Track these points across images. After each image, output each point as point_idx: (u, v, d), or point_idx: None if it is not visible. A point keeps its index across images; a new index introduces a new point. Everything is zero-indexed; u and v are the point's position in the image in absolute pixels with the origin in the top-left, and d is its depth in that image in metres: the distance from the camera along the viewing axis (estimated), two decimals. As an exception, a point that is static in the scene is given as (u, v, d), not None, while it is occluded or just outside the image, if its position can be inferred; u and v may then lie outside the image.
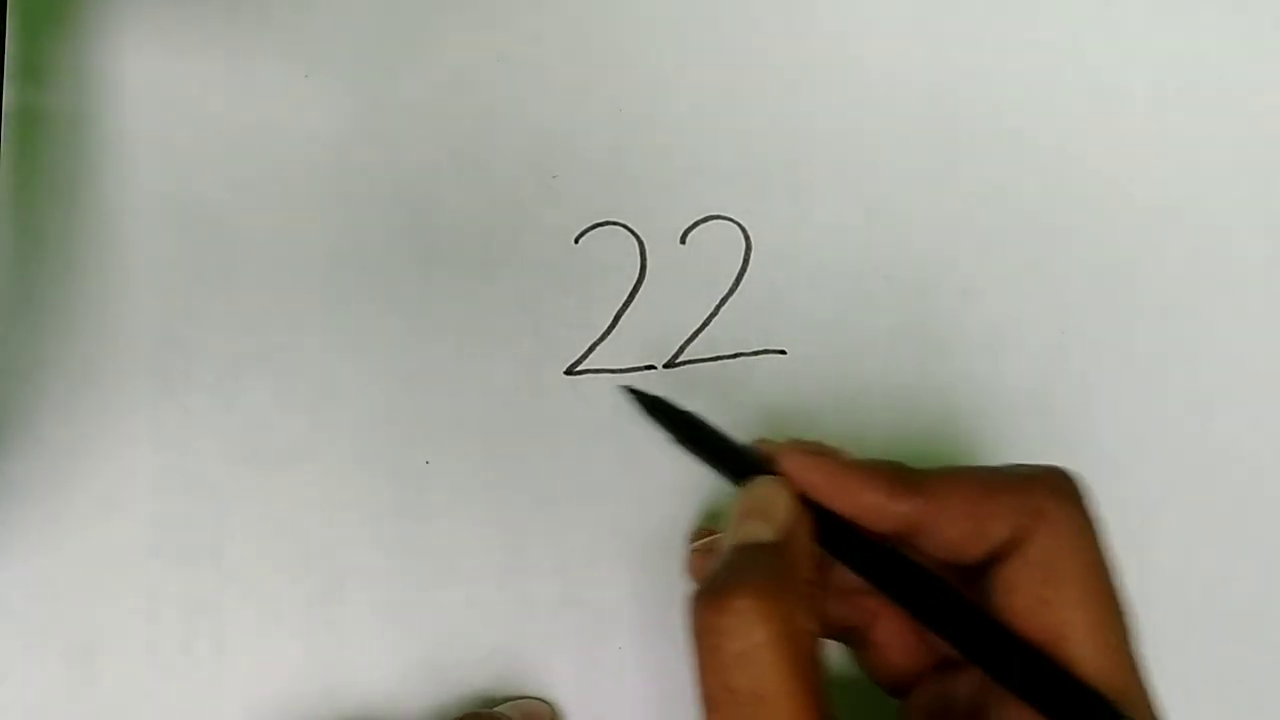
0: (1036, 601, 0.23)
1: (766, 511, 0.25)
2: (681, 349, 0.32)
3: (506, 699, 0.30)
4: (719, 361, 0.32)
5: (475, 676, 0.31)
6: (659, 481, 0.32)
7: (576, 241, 0.33)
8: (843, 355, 0.32)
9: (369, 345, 0.32)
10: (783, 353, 0.32)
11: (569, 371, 0.32)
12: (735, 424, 0.32)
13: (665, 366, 0.32)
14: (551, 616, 0.31)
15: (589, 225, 0.33)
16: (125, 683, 0.30)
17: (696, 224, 0.33)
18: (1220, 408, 0.33)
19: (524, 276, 0.32)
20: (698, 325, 0.32)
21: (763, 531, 0.25)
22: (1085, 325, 0.33)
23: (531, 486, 0.31)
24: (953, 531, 0.24)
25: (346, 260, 0.32)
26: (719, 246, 0.33)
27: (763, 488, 0.26)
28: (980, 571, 0.25)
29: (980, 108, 0.34)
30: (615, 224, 0.33)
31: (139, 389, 0.32)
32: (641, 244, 0.33)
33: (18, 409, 0.31)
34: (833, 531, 0.25)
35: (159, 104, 0.33)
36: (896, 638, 0.27)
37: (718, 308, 0.33)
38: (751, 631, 0.22)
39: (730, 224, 0.33)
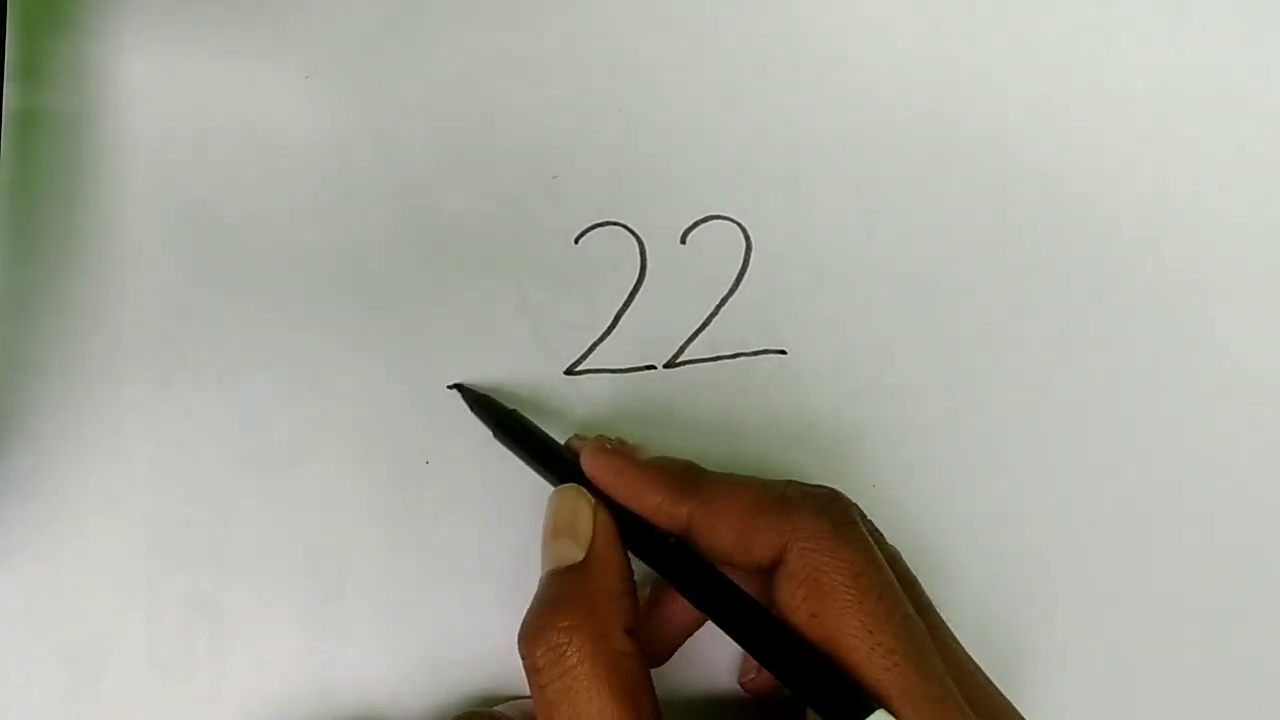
0: (809, 615, 0.24)
1: (572, 526, 0.26)
2: (681, 349, 0.32)
3: (506, 699, 0.30)
4: (719, 361, 0.32)
5: (475, 676, 0.31)
6: (659, 481, 0.32)
7: (576, 241, 0.33)
8: (843, 355, 0.32)
9: (369, 345, 0.32)
10: (783, 353, 0.32)
11: (569, 371, 0.32)
12: (735, 424, 0.32)
13: (665, 366, 0.32)
14: (551, 616, 0.31)
15: (589, 225, 0.33)
16: (125, 683, 0.30)
17: (696, 224, 0.33)
18: (1220, 407, 0.33)
19: (524, 276, 0.32)
20: (698, 325, 0.32)
21: (570, 551, 0.26)
22: (1085, 325, 0.33)
23: (532, 486, 0.31)
24: (724, 540, 0.25)
25: (346, 260, 0.32)
26: (719, 246, 0.33)
27: (566, 499, 0.27)
28: (762, 584, 0.25)
29: (980, 108, 0.34)
30: (615, 224, 0.33)
31: (138, 389, 0.32)
32: (641, 244, 0.33)
33: (18, 409, 0.31)
34: (631, 530, 0.26)
35: (159, 104, 0.33)
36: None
37: (718, 308, 0.33)
38: (566, 666, 0.23)
39: (730, 224, 0.33)
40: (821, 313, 0.33)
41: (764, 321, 0.32)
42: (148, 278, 0.32)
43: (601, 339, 0.32)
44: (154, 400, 0.31)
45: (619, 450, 0.28)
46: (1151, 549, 0.32)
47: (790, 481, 0.26)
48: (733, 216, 0.33)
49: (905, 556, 0.27)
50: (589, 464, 0.27)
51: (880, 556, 0.24)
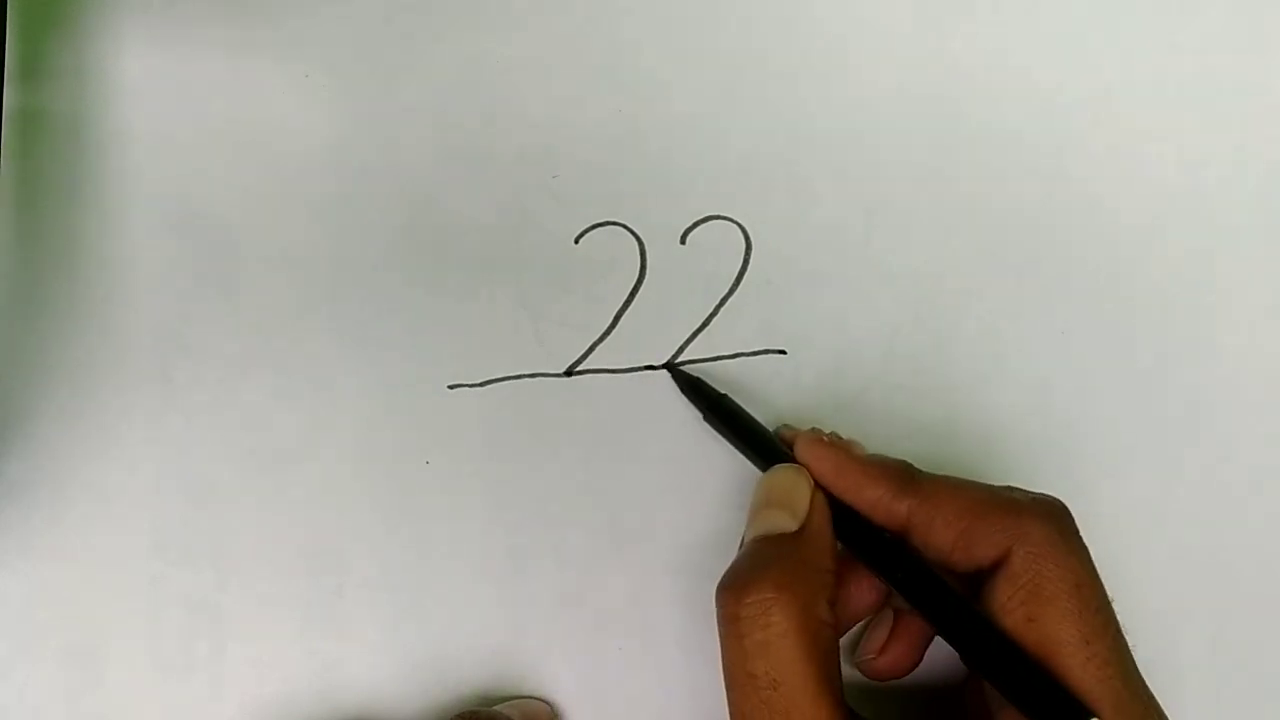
0: (1025, 619, 0.24)
1: (788, 500, 0.27)
2: (681, 349, 0.32)
3: (506, 699, 0.30)
4: (719, 361, 0.32)
5: (475, 676, 0.31)
6: (659, 482, 0.32)
7: (576, 241, 0.33)
8: (843, 355, 0.32)
9: (369, 345, 0.32)
10: (783, 353, 0.32)
11: (569, 372, 0.32)
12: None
13: (665, 366, 0.32)
14: (551, 616, 0.31)
15: (589, 225, 0.33)
16: (125, 683, 0.30)
17: (696, 224, 0.33)
18: (1220, 407, 0.33)
19: (524, 276, 0.32)
20: (698, 325, 0.32)
21: (784, 521, 0.26)
22: (1085, 325, 0.33)
23: (531, 486, 0.31)
24: (944, 539, 0.26)
25: (346, 260, 0.32)
26: (719, 246, 0.33)
27: (784, 476, 0.28)
28: (974, 583, 0.26)
29: (980, 108, 0.34)
30: (615, 224, 0.33)
31: (139, 389, 0.32)
32: (641, 244, 0.33)
33: (18, 409, 0.31)
34: (846, 522, 0.27)
35: (159, 104, 0.33)
36: (916, 636, 0.29)
37: (718, 308, 0.33)
38: (770, 621, 0.24)
39: (730, 224, 0.33)
40: (821, 313, 0.33)
41: (764, 321, 0.32)
42: (148, 278, 0.32)
43: (601, 339, 0.32)
44: (154, 400, 0.31)
45: (837, 443, 0.28)
46: (1152, 549, 0.32)
47: (1011, 486, 0.26)
48: (733, 216, 0.33)
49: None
50: (807, 453, 0.28)
51: (1097, 571, 0.25)
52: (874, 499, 0.27)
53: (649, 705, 0.31)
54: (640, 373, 0.32)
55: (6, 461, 0.31)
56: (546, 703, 0.30)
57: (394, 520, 0.31)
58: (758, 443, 0.30)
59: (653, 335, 0.32)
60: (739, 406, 0.30)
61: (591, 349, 0.32)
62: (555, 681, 0.31)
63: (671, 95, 0.34)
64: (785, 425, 0.30)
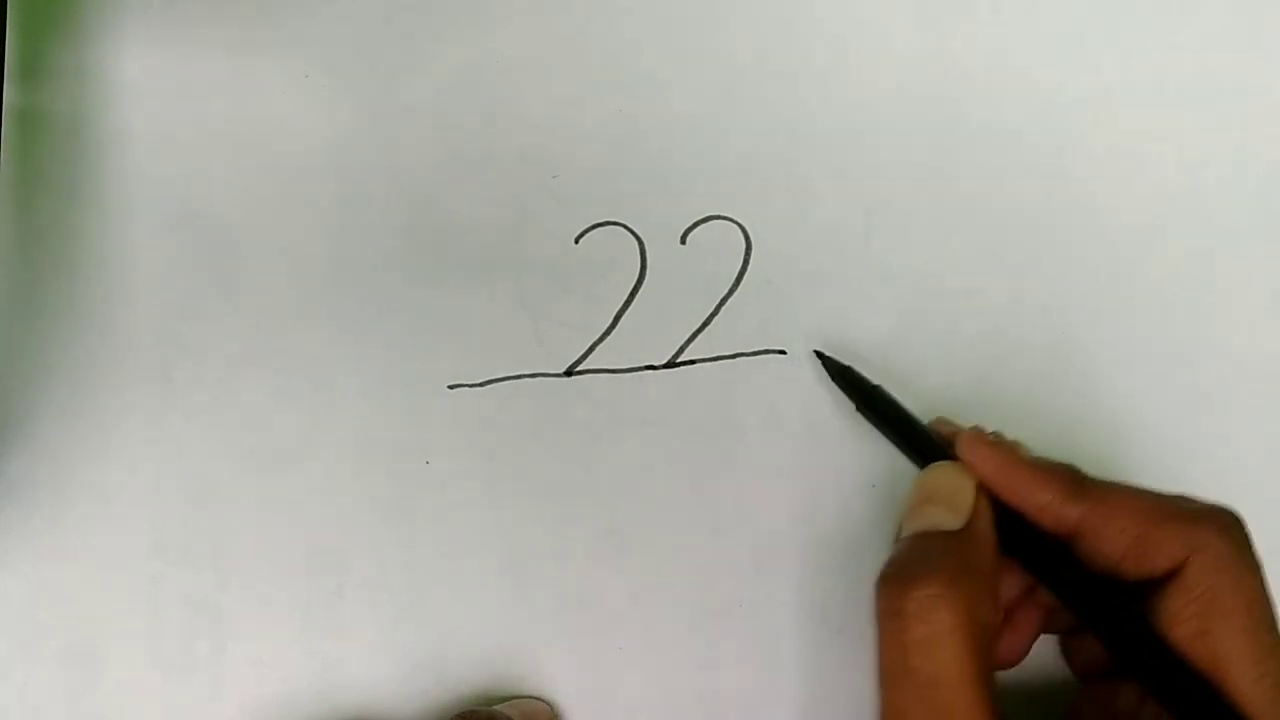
0: (1197, 632, 0.24)
1: (951, 498, 0.26)
2: (681, 349, 0.32)
3: (506, 699, 0.30)
4: (719, 361, 0.32)
5: (475, 676, 0.31)
6: (659, 481, 0.32)
7: (576, 241, 0.33)
8: (842, 355, 0.32)
9: (369, 345, 0.32)
10: (783, 353, 0.32)
11: (569, 372, 0.32)
12: (735, 424, 0.32)
13: (665, 366, 0.32)
14: (551, 616, 0.31)
15: (589, 225, 0.33)
16: (125, 683, 0.30)
17: (696, 224, 0.33)
18: (1220, 407, 0.33)
19: (524, 276, 0.32)
20: (698, 325, 0.32)
21: (947, 519, 0.26)
22: (1085, 325, 0.33)
23: (531, 486, 0.31)
24: (1115, 546, 0.25)
25: (346, 260, 0.32)
26: (719, 246, 0.33)
27: (947, 474, 0.27)
28: (1136, 593, 0.25)
29: (980, 108, 0.34)
30: (615, 224, 0.33)
31: (139, 389, 0.32)
32: (641, 244, 0.33)
33: (18, 409, 0.31)
34: (1008, 524, 0.26)
35: (159, 104, 0.33)
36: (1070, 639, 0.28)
37: (718, 308, 0.33)
38: (935, 618, 0.23)
39: (730, 224, 0.33)
40: (821, 313, 0.33)
41: (764, 321, 0.32)
42: (148, 278, 0.32)
43: (601, 339, 0.32)
44: (154, 400, 0.31)
45: (1002, 443, 0.27)
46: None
47: (1185, 495, 0.26)
48: (733, 216, 0.33)
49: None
50: (972, 452, 0.27)
51: (1269, 589, 0.24)
52: (1043, 503, 0.26)
53: (649, 705, 0.31)
54: (640, 373, 0.32)
55: (6, 461, 0.31)
56: (546, 703, 0.30)
57: (394, 520, 0.31)
58: (914, 437, 0.29)
59: (653, 335, 0.32)
60: (893, 398, 0.30)
61: (591, 349, 0.32)
62: (555, 681, 0.31)
63: (671, 95, 0.34)
64: (941, 419, 0.30)
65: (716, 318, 0.32)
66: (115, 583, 0.31)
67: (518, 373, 0.32)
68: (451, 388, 0.32)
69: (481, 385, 0.32)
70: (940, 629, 0.23)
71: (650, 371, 0.32)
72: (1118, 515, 0.25)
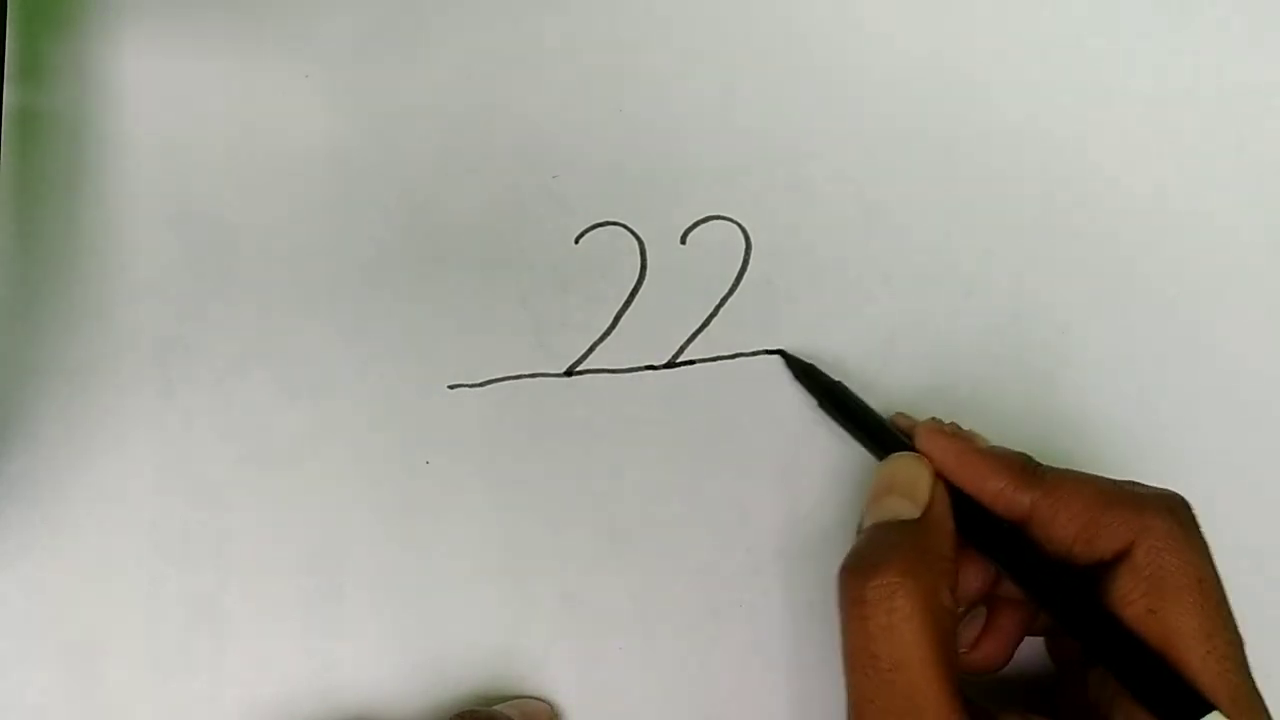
0: (1146, 611, 0.24)
1: (909, 488, 0.27)
2: (681, 349, 0.32)
3: (506, 699, 0.30)
4: (719, 361, 0.32)
5: (475, 676, 0.31)
6: (659, 482, 0.32)
7: (576, 241, 0.33)
8: (842, 355, 0.32)
9: (369, 345, 0.32)
10: (782, 353, 0.32)
11: (569, 372, 0.32)
12: (735, 424, 0.32)
13: (665, 366, 0.32)
14: (551, 616, 0.31)
15: (589, 225, 0.33)
16: (125, 683, 0.30)
17: (696, 224, 0.33)
18: (1220, 407, 0.33)
19: (524, 276, 0.32)
20: (698, 325, 0.32)
21: (905, 508, 0.27)
22: (1085, 325, 0.33)
23: (531, 486, 0.31)
24: (1066, 531, 0.26)
25: (346, 260, 0.32)
26: (719, 246, 0.33)
27: (905, 464, 0.28)
28: (1088, 576, 0.26)
29: (980, 108, 0.34)
30: (615, 224, 0.33)
31: (139, 389, 0.32)
32: (641, 244, 0.33)
33: (18, 409, 0.31)
34: (965, 512, 0.27)
35: (159, 104, 0.33)
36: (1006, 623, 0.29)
37: (718, 308, 0.33)
38: (894, 605, 0.24)
39: (730, 224, 0.33)
40: (821, 313, 0.33)
41: (764, 321, 0.32)
42: (148, 278, 0.32)
43: (601, 339, 0.32)
44: (154, 400, 0.31)
45: (958, 434, 0.29)
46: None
47: (1133, 481, 0.27)
48: (733, 216, 0.33)
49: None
50: (928, 443, 0.28)
51: (1216, 567, 0.25)
52: (996, 490, 0.27)
53: (649, 705, 0.31)
54: (640, 373, 0.32)
55: (6, 461, 0.31)
56: (546, 703, 0.30)
57: (394, 520, 0.31)
58: (873, 431, 0.30)
59: (653, 335, 0.32)
60: (853, 394, 0.31)
61: (591, 349, 0.32)
62: (555, 681, 0.31)
63: (671, 95, 0.34)
64: (900, 413, 0.30)
65: (716, 318, 0.32)
66: (115, 582, 0.31)
67: (518, 373, 0.32)
68: (451, 388, 0.32)
69: (481, 385, 0.32)
70: (899, 616, 0.24)
71: (650, 371, 0.32)
72: (1068, 501, 0.26)
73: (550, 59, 0.34)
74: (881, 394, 0.32)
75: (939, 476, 0.28)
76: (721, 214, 0.33)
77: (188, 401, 0.32)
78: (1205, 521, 0.32)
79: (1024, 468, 0.27)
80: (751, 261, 0.33)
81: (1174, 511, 0.25)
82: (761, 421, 0.32)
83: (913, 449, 0.29)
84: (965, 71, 0.34)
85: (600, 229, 0.33)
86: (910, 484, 0.27)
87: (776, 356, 0.32)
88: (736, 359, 0.32)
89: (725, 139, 0.33)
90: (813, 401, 0.31)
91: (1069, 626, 0.26)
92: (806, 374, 0.31)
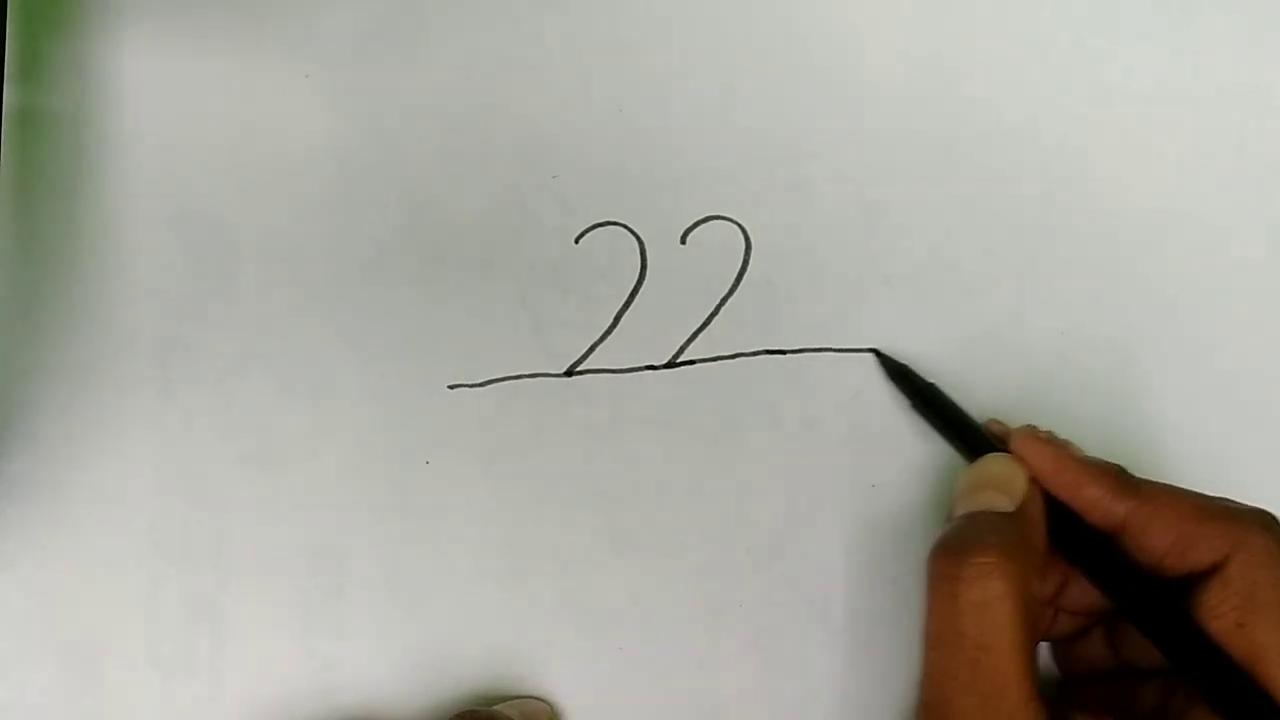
0: (1235, 625, 0.25)
1: (1006, 485, 0.27)
2: (681, 349, 0.32)
3: (506, 699, 0.30)
4: (719, 361, 0.32)
5: (475, 676, 0.31)
6: (658, 481, 0.32)
7: (576, 241, 0.33)
8: (843, 355, 0.32)
9: (369, 345, 0.32)
10: (783, 353, 0.32)
11: (569, 372, 0.32)
12: (735, 424, 0.32)
13: (665, 366, 0.32)
14: (551, 616, 0.31)
15: (589, 225, 0.33)
16: (125, 683, 0.30)
17: (696, 224, 0.33)
18: (1220, 407, 0.33)
19: (524, 276, 0.32)
20: (698, 325, 0.32)
21: (1001, 502, 0.27)
22: (1085, 325, 0.33)
23: (531, 486, 0.31)
24: (1160, 542, 0.26)
25: (346, 260, 0.32)
26: (719, 246, 0.33)
27: (1001, 464, 0.28)
28: (1176, 590, 0.26)
29: (980, 108, 0.34)
30: (615, 224, 0.33)
31: (139, 389, 0.32)
32: (641, 244, 0.33)
33: (18, 409, 0.31)
34: (1057, 517, 0.27)
35: (159, 104, 0.33)
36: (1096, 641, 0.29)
37: (718, 308, 0.33)
38: (989, 585, 0.24)
39: (730, 224, 0.33)
40: (821, 313, 0.33)
41: (764, 321, 0.32)
42: (148, 278, 0.32)
43: (601, 339, 0.32)
44: (154, 401, 0.31)
45: (1054, 440, 0.29)
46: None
47: (1226, 498, 0.27)
48: (733, 216, 0.33)
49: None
50: (1024, 447, 0.28)
51: None
52: (1092, 498, 0.27)
53: (649, 705, 0.31)
54: (640, 373, 0.32)
55: (6, 461, 0.31)
56: (546, 703, 0.30)
57: (394, 520, 0.31)
58: (967, 432, 0.30)
59: (653, 335, 0.32)
60: (947, 396, 0.31)
61: (591, 349, 0.32)
62: (555, 681, 0.31)
63: (671, 95, 0.34)
64: (995, 419, 0.31)
65: (716, 318, 0.32)
66: (115, 582, 0.31)
67: (518, 373, 0.32)
68: (451, 388, 0.32)
69: (481, 385, 0.32)
70: (993, 595, 0.24)
71: (650, 371, 0.32)
72: (1164, 512, 0.26)
73: (550, 59, 0.34)
74: (882, 394, 0.32)
75: (1033, 480, 0.28)
76: (721, 214, 0.33)
77: (188, 401, 0.32)
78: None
79: (1119, 478, 0.27)
80: (751, 261, 0.33)
81: (1270, 529, 0.26)
82: (761, 421, 0.32)
83: (1007, 452, 0.29)
84: (965, 71, 0.34)
85: (600, 229, 0.33)
86: (1006, 481, 0.28)
87: (778, 355, 0.32)
88: (737, 359, 0.32)
89: (725, 139, 0.33)
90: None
91: (1159, 639, 0.26)
92: (901, 375, 0.31)
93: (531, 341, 0.32)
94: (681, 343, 0.32)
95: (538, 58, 0.34)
